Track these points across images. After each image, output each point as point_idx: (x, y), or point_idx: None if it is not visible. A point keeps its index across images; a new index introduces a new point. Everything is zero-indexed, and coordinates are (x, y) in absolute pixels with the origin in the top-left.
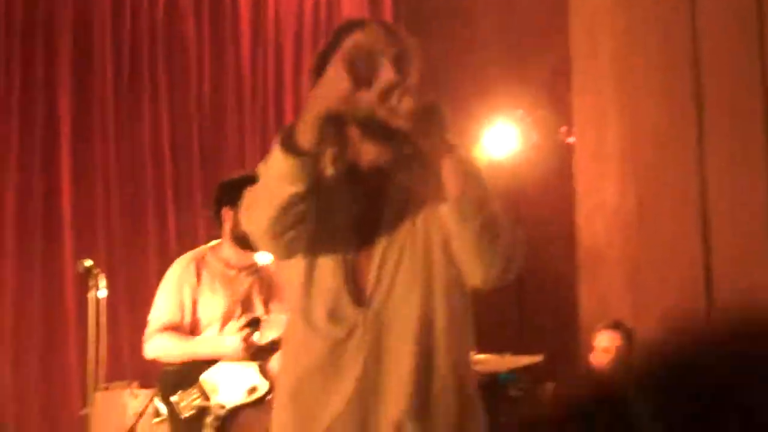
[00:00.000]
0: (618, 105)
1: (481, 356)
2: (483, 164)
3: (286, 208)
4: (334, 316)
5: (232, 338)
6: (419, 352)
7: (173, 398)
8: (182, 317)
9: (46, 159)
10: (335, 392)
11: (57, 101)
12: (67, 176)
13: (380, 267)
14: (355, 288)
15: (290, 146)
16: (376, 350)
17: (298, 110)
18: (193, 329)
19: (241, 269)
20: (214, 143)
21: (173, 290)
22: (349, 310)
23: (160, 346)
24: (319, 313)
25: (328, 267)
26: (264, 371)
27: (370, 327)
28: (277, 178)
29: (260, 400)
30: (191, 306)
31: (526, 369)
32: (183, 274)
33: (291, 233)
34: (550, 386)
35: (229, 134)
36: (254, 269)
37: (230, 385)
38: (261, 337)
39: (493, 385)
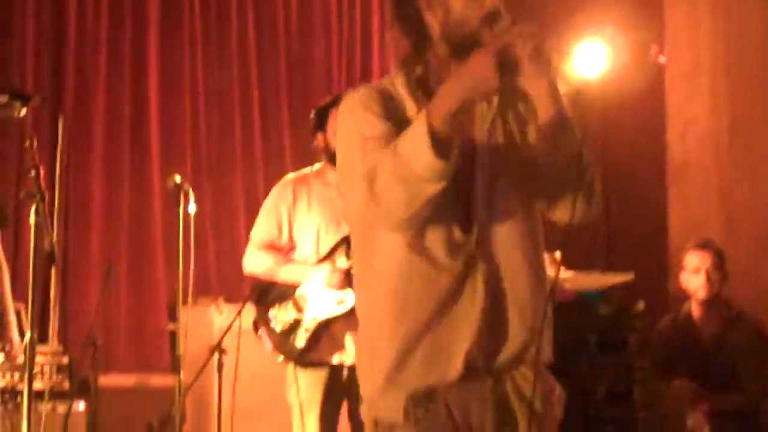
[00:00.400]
0: (711, 19)
1: (570, 274)
2: (573, 85)
3: (428, 205)
4: (450, 249)
5: (321, 270)
6: (531, 282)
7: (271, 312)
8: (280, 235)
9: (134, 78)
10: (465, 328)
11: (145, 24)
12: (155, 94)
13: (485, 195)
14: (465, 219)
15: (442, 149)
16: (494, 279)
17: (383, 30)
18: (290, 246)
19: None
20: (301, 64)
21: (271, 210)
22: (461, 240)
23: (257, 264)
24: (438, 248)
25: (438, 203)
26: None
27: (483, 256)
28: (421, 178)
29: (349, 312)
30: (288, 224)
31: (616, 288)
32: (281, 194)
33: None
34: (640, 305)
35: (316, 55)
36: None
37: (321, 298)
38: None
39: (581, 303)
